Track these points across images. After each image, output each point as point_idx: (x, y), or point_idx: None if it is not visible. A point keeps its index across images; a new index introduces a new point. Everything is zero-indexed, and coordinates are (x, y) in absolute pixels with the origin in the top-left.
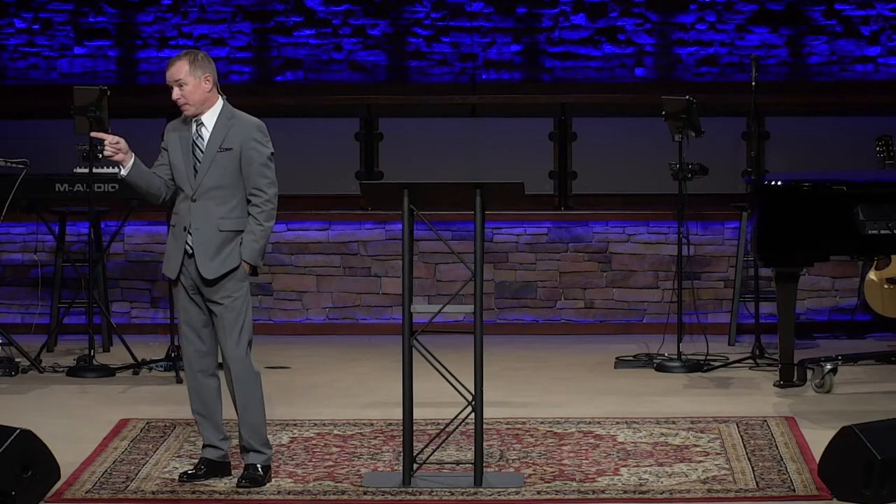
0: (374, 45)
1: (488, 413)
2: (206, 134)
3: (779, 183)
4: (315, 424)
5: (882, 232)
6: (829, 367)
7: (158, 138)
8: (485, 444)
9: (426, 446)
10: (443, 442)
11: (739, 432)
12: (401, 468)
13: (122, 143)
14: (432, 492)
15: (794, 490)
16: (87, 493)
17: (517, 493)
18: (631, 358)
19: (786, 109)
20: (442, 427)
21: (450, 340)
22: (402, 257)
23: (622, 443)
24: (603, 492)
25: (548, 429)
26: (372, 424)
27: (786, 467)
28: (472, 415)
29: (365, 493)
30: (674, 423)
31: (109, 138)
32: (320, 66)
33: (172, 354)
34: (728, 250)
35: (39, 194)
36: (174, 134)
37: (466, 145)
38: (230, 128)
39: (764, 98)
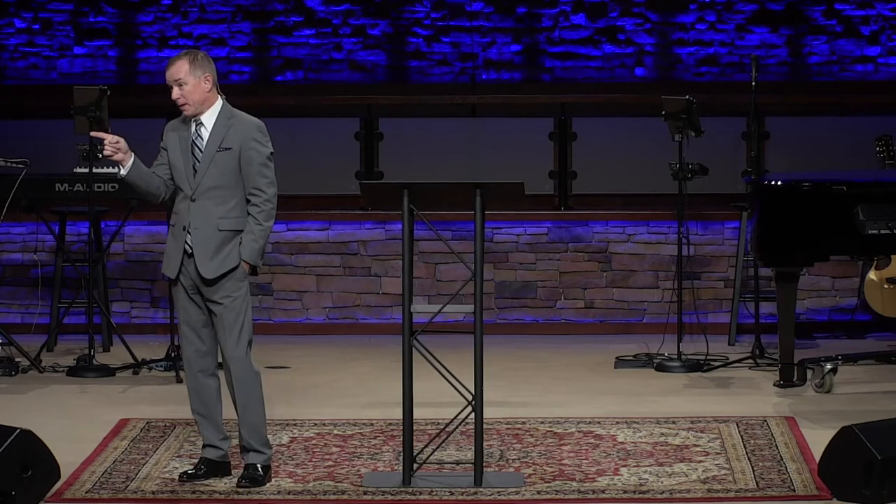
0: (374, 45)
1: (488, 413)
2: (205, 134)
3: (779, 183)
4: (315, 424)
5: (882, 232)
6: (829, 367)
7: (158, 138)
8: (485, 444)
9: (426, 446)
10: (443, 442)
11: (739, 432)
12: (401, 468)
13: (122, 143)
14: (432, 492)
15: (794, 490)
16: (87, 493)
17: (517, 493)
18: (631, 358)
19: (786, 109)
20: (442, 427)
21: (450, 340)
22: (402, 257)
23: (622, 443)
24: (603, 492)
25: (548, 429)
26: (372, 424)
27: (786, 467)
28: (472, 415)
29: (365, 493)
30: (674, 423)
31: (109, 138)
32: (320, 66)
33: (172, 354)
34: (728, 250)
35: (39, 194)
36: (173, 134)
37: (466, 145)
38: (230, 127)
39: (764, 98)
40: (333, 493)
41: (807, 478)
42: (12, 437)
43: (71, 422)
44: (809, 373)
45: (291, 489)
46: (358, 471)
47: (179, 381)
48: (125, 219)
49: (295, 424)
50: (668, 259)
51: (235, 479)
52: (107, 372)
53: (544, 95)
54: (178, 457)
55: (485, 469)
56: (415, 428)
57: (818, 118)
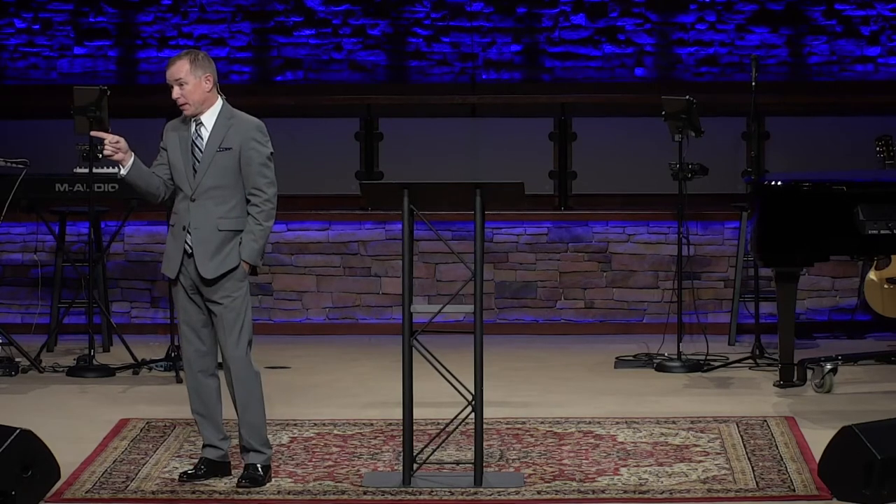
0: (374, 45)
1: (488, 413)
2: (205, 134)
3: (779, 183)
4: (315, 424)
5: (882, 232)
6: (829, 367)
7: (158, 138)
8: (485, 444)
9: (426, 446)
10: (443, 442)
11: (739, 432)
12: (401, 468)
13: (122, 143)
14: (432, 492)
15: (794, 490)
16: (87, 493)
17: (517, 493)
18: (631, 358)
19: (786, 109)
20: (442, 427)
21: (450, 340)
22: (402, 257)
23: (622, 443)
24: (603, 492)
25: (548, 429)
26: (372, 424)
27: (786, 467)
28: (472, 415)
29: (365, 493)
30: (674, 423)
31: (109, 137)
32: (320, 66)
33: (172, 354)
34: (728, 250)
35: (39, 194)
36: (173, 133)
37: (466, 145)
38: (229, 127)
39: (764, 98)
40: (333, 493)
41: (807, 478)
42: (12, 437)
43: (71, 422)
44: (809, 373)
45: (291, 489)
46: (358, 471)
47: (179, 381)
48: (125, 219)
49: (295, 424)
50: (668, 259)
51: (235, 479)
52: (107, 372)
53: (544, 95)
54: (178, 457)
55: (485, 469)
56: (415, 428)
57: (818, 118)
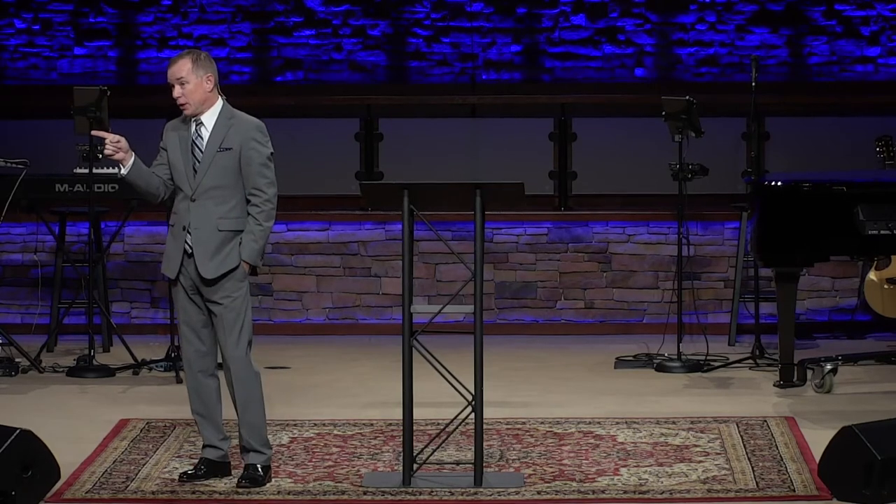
0: (374, 46)
1: (488, 413)
2: (205, 134)
3: (779, 183)
4: (315, 424)
5: (882, 232)
6: (829, 367)
7: (158, 138)
8: (485, 444)
9: (426, 446)
10: (443, 442)
11: (739, 432)
12: (401, 468)
13: (123, 142)
14: (432, 492)
15: (794, 490)
16: (87, 493)
17: (517, 493)
18: (631, 358)
19: (786, 109)
20: (442, 427)
21: (450, 340)
22: (402, 257)
23: (622, 443)
24: (603, 492)
25: (548, 429)
26: (372, 424)
27: (786, 467)
28: (472, 415)
29: (365, 493)
30: (674, 423)
31: (110, 137)
32: (320, 66)
33: (172, 354)
34: (728, 250)
35: (39, 194)
36: (173, 133)
37: (466, 145)
38: (230, 128)
39: (764, 98)
40: (333, 494)
41: (807, 478)
42: (12, 437)
43: (71, 422)
44: (809, 373)
45: (291, 489)
46: (358, 471)
47: (179, 381)
48: (125, 219)
49: (295, 424)
50: (668, 259)
51: (235, 480)
52: (107, 372)
53: (544, 96)
54: (178, 457)
55: (485, 469)
56: (415, 428)
57: (818, 118)
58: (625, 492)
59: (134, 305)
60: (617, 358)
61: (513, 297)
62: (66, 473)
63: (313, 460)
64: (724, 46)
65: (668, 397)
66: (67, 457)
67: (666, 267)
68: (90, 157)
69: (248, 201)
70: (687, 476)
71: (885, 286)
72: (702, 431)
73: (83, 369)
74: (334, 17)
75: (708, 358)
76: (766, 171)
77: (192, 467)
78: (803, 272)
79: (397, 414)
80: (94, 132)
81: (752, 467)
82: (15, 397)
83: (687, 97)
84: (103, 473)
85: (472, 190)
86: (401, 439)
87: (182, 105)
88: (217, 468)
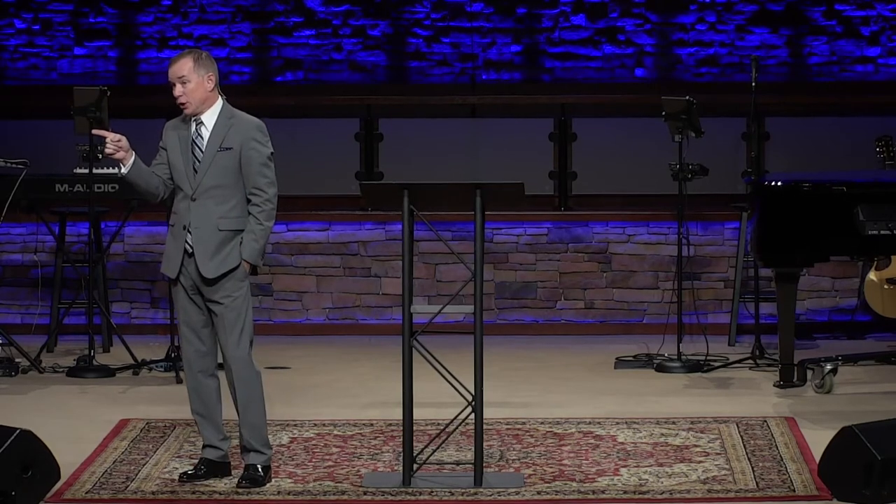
0: (374, 46)
1: (488, 413)
2: (205, 133)
3: (779, 183)
4: (315, 424)
5: (882, 232)
6: (829, 367)
7: (158, 138)
8: (485, 444)
9: (426, 446)
10: (443, 442)
11: (739, 432)
12: (401, 468)
13: (124, 141)
14: (432, 492)
15: (794, 490)
16: (87, 493)
17: (517, 493)
18: (631, 358)
19: (786, 109)
20: (442, 427)
21: (450, 340)
22: (402, 257)
23: (622, 443)
24: (603, 492)
25: (548, 429)
26: (372, 424)
27: (786, 467)
28: (472, 415)
29: (365, 494)
30: (674, 423)
31: (111, 136)
32: (320, 66)
33: (172, 355)
34: (728, 250)
35: (39, 194)
36: (173, 133)
37: (466, 145)
38: (230, 127)
39: (764, 98)
40: (333, 494)
41: (807, 478)
42: (12, 437)
43: (71, 422)
44: (809, 373)
45: (291, 489)
46: (358, 471)
47: (179, 381)
48: (125, 219)
49: (295, 425)
50: (668, 259)
51: (235, 480)
52: (107, 372)
53: (544, 96)
54: (178, 457)
55: (485, 469)
56: (415, 428)
57: (818, 118)
58: (625, 492)
59: (134, 305)
60: (617, 358)
61: (513, 298)
62: (66, 473)
63: (313, 460)
64: (724, 46)
65: (668, 397)
66: (67, 457)
67: (666, 267)
68: (90, 157)
69: (248, 201)
70: (687, 476)
71: (885, 286)
72: (702, 431)
73: (83, 369)
74: (334, 17)
75: (708, 358)
76: (766, 171)
77: (192, 467)
78: (803, 272)
79: (397, 414)
80: (95, 131)
81: (752, 467)
82: (15, 397)
83: (687, 97)
84: (103, 473)
85: (472, 190)
86: (401, 439)
87: (182, 104)
88: (217, 468)
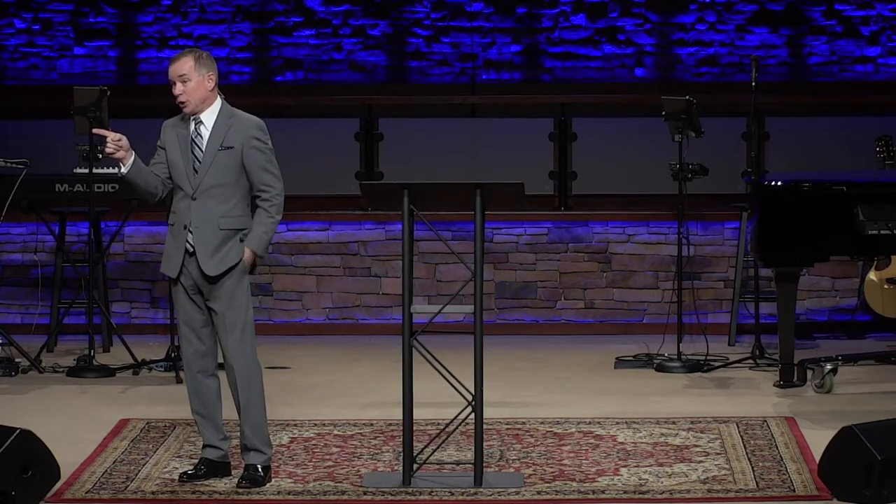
0: (374, 46)
1: (488, 413)
2: (205, 133)
3: (779, 183)
4: (315, 424)
5: (882, 232)
6: (829, 367)
7: (157, 138)
8: (485, 444)
9: (426, 446)
10: (443, 442)
11: (739, 432)
12: (401, 468)
13: (124, 141)
14: (432, 492)
15: (794, 490)
16: (87, 493)
17: (517, 493)
18: (631, 358)
19: (786, 109)
20: (442, 427)
21: (450, 340)
22: (402, 257)
23: (622, 443)
24: (603, 492)
25: (548, 429)
26: (372, 424)
27: (786, 467)
28: (472, 415)
29: (365, 494)
30: (674, 423)
31: (111, 135)
32: (320, 66)
33: (172, 354)
34: (728, 250)
35: (39, 194)
36: (172, 132)
37: (466, 145)
38: (230, 126)
39: (764, 98)
40: (333, 494)
41: (807, 478)
42: (12, 437)
43: (71, 422)
44: (809, 373)
45: (291, 489)
46: (358, 471)
47: (179, 381)
48: (125, 219)
49: (295, 424)
50: (668, 259)
51: (235, 480)
52: (107, 372)
53: (544, 96)
54: (178, 457)
55: (485, 469)
56: (415, 428)
57: (818, 118)
58: (625, 492)
59: (134, 305)
60: (617, 358)
61: (513, 297)
62: (66, 473)
63: (313, 460)
64: (724, 46)
65: (668, 397)
66: (67, 457)
67: (666, 267)
68: (90, 157)
69: (257, 197)
70: (687, 476)
71: (885, 286)
72: (702, 431)
73: (83, 369)
74: (334, 17)
75: (708, 358)
76: (766, 171)
77: (192, 467)
78: (803, 272)
79: (397, 414)
80: (95, 130)
81: (752, 467)
82: (15, 397)
83: (687, 97)
84: (103, 473)
85: (472, 190)
86: (401, 439)
87: (182, 103)
88: (217, 468)
